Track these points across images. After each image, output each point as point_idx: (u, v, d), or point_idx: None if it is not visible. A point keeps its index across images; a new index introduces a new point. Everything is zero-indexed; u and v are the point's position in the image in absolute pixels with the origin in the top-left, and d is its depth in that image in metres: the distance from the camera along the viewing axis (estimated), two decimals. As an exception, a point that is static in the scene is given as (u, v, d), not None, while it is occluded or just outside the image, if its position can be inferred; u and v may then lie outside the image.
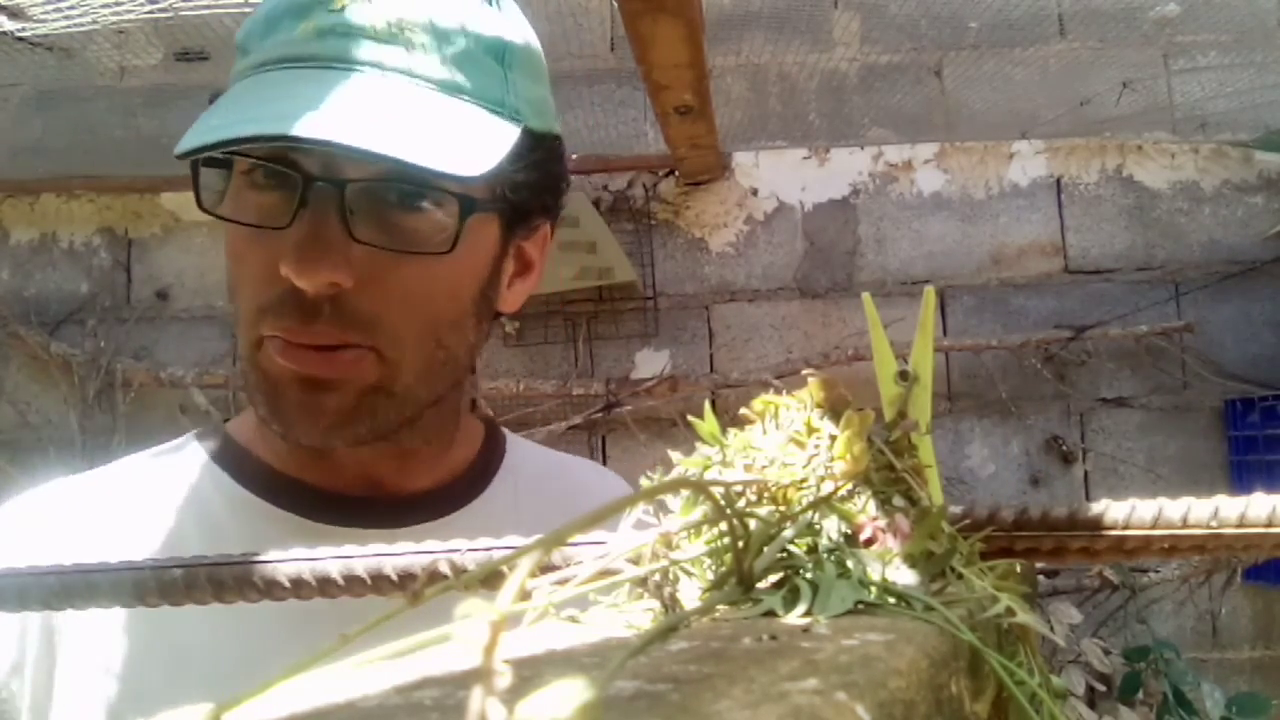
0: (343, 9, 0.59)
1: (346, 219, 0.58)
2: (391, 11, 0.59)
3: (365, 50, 0.59)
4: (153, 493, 0.68)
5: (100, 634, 0.62)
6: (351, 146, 0.53)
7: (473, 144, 0.59)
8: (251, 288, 0.60)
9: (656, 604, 0.33)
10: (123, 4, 1.88)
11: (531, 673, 0.22)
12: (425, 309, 0.62)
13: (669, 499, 0.36)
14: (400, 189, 0.59)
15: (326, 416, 0.61)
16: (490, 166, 0.58)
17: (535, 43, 0.69)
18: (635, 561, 0.34)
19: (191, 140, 0.56)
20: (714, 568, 0.34)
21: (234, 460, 0.69)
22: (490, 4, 0.65)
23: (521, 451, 0.80)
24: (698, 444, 0.40)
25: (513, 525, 0.69)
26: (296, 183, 0.57)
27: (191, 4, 1.91)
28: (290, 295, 0.58)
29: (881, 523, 0.35)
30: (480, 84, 0.62)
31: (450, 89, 0.60)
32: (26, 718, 0.62)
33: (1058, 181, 2.43)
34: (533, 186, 0.66)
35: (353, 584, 0.41)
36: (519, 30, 0.67)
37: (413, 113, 0.58)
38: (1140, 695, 2.05)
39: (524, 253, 0.71)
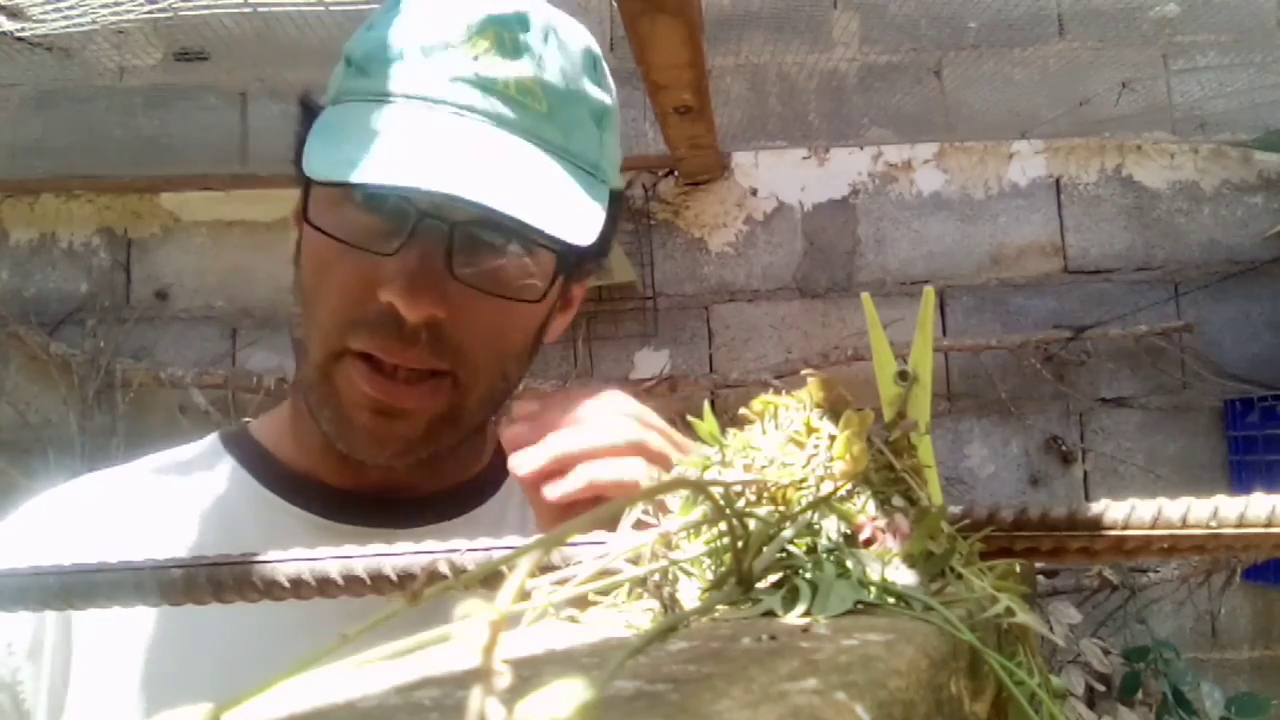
0: (476, 58, 0.61)
1: (451, 256, 0.60)
2: (521, 71, 0.62)
3: (494, 105, 0.61)
4: (175, 492, 0.69)
5: (116, 622, 0.62)
6: (495, 209, 0.57)
7: (580, 209, 0.62)
8: (341, 301, 0.62)
9: (656, 604, 0.33)
10: (123, 4, 1.88)
11: (531, 673, 0.22)
12: (502, 344, 0.66)
13: (669, 499, 0.36)
14: (504, 238, 0.63)
15: (396, 443, 0.64)
16: (595, 235, 0.62)
17: (616, 102, 0.71)
18: (635, 561, 0.34)
19: (332, 170, 0.57)
20: (713, 568, 0.34)
21: (258, 462, 0.71)
22: (594, 69, 0.68)
23: None
24: (697, 444, 0.40)
25: (524, 523, 0.71)
26: (409, 215, 0.60)
27: (191, 4, 1.91)
28: (389, 318, 0.60)
29: (881, 523, 0.35)
30: (583, 148, 0.65)
31: (562, 153, 0.63)
32: (43, 701, 0.63)
33: (1057, 181, 2.43)
34: (602, 240, 0.69)
35: (352, 584, 0.41)
36: (612, 92, 0.70)
37: (534, 174, 0.61)
38: (1140, 695, 2.05)
39: (570, 291, 0.74)
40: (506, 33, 0.62)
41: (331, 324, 0.62)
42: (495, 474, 0.76)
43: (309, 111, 0.65)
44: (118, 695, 0.62)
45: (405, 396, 0.62)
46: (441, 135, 0.59)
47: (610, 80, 0.70)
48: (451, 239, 0.60)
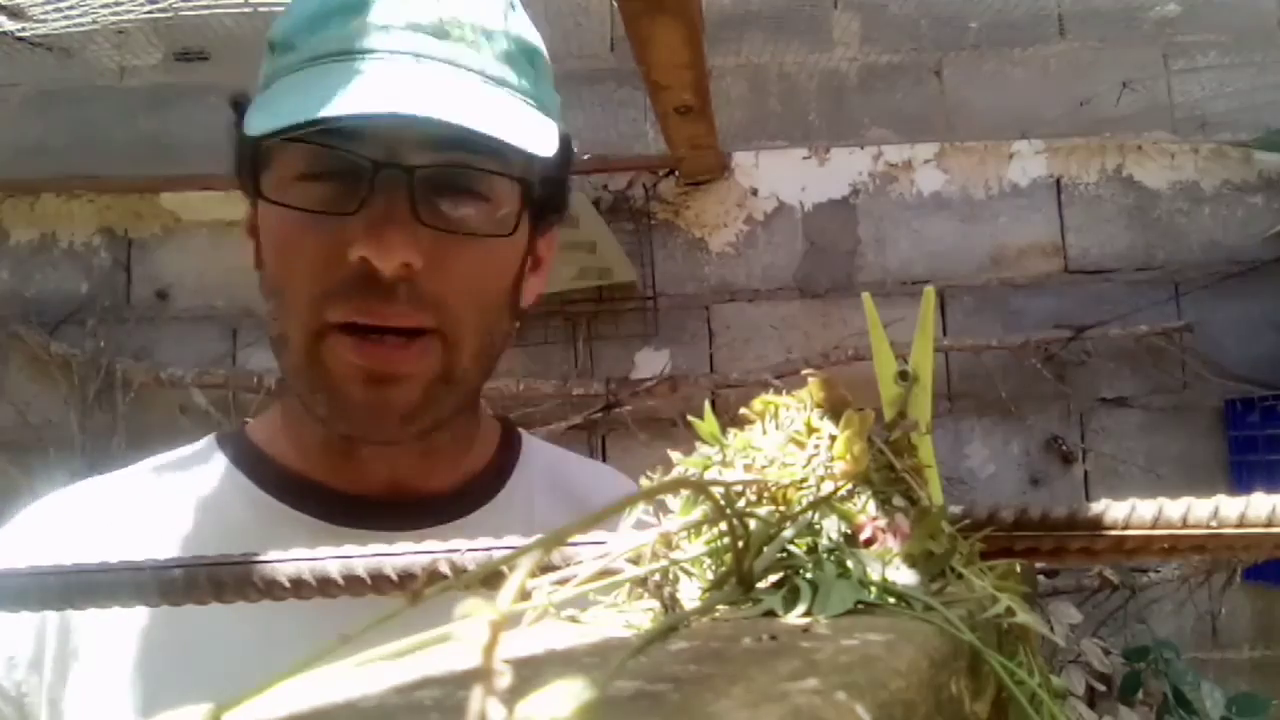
0: (397, 8, 0.60)
1: (414, 204, 0.59)
2: (436, 10, 0.61)
3: (421, 43, 0.60)
4: (173, 497, 0.68)
5: (115, 631, 0.62)
6: (450, 122, 0.56)
7: (533, 123, 0.62)
8: (310, 275, 0.60)
9: (656, 604, 0.33)
10: (123, 4, 1.88)
11: (531, 673, 0.22)
12: (481, 292, 0.64)
13: (669, 499, 0.36)
14: (468, 175, 0.62)
15: (395, 411, 0.62)
16: (554, 147, 0.61)
17: (544, 48, 0.71)
18: (635, 561, 0.34)
19: (273, 121, 0.56)
20: (714, 568, 0.34)
21: (253, 464, 0.70)
22: (514, 9, 0.67)
23: (537, 451, 0.80)
24: (698, 444, 0.40)
25: (527, 524, 0.70)
26: (363, 170, 0.59)
27: (191, 4, 1.92)
28: (363, 279, 0.59)
29: (881, 523, 0.35)
30: (520, 82, 0.64)
31: (500, 83, 0.63)
32: (45, 712, 0.62)
33: (1058, 181, 2.43)
34: (556, 184, 0.69)
35: (352, 584, 0.41)
36: (538, 37, 0.70)
37: (479, 98, 0.60)
38: (1140, 695, 2.05)
39: (537, 249, 0.72)
40: None
41: (306, 302, 0.60)
42: (501, 468, 0.75)
43: (243, 109, 0.64)
44: (116, 701, 0.61)
45: (397, 360, 0.60)
46: (380, 74, 0.58)
47: (533, 27, 0.70)
48: (412, 186, 0.59)
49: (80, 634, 0.63)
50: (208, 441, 0.73)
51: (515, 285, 0.69)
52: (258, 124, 0.57)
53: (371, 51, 0.59)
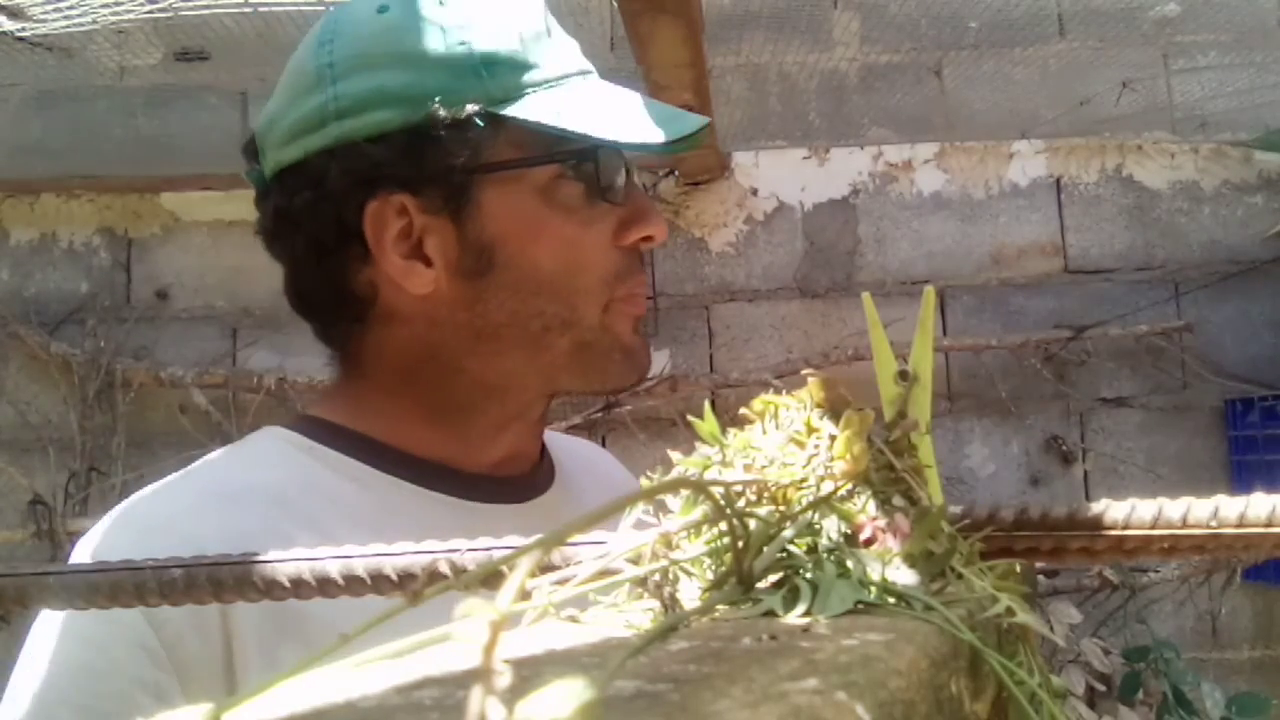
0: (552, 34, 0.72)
1: None
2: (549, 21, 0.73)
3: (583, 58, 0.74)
4: (292, 493, 0.66)
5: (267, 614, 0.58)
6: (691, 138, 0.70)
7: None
8: (597, 262, 0.69)
9: (656, 604, 0.33)
10: (123, 4, 1.88)
11: (531, 673, 0.22)
12: None
13: (669, 499, 0.36)
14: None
15: (648, 352, 0.75)
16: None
17: None
18: (635, 561, 0.34)
19: (621, 132, 0.67)
20: (714, 568, 0.34)
21: (372, 452, 0.70)
22: None
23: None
24: (698, 444, 0.40)
25: (599, 487, 0.82)
26: (618, 166, 0.69)
27: (191, 4, 1.91)
28: (635, 257, 0.71)
29: (881, 523, 0.35)
30: None
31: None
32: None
33: (1057, 181, 2.43)
34: None
35: (353, 584, 0.41)
36: None
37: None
38: (1140, 695, 2.05)
39: None
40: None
41: (599, 285, 0.69)
42: (546, 449, 0.82)
43: (456, 124, 0.65)
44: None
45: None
46: (624, 94, 0.71)
47: None
48: (630, 179, 0.71)
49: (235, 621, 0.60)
50: (272, 432, 0.71)
51: None
52: (615, 132, 0.66)
53: (586, 72, 0.72)
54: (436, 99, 0.65)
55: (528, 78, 0.67)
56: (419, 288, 0.68)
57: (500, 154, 0.66)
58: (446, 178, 0.66)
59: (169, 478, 0.68)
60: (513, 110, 0.66)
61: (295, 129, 0.68)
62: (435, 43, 0.66)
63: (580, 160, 0.68)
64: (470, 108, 0.65)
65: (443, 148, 0.65)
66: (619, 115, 0.68)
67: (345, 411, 0.73)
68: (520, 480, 0.75)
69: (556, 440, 0.87)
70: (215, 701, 0.19)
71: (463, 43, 0.66)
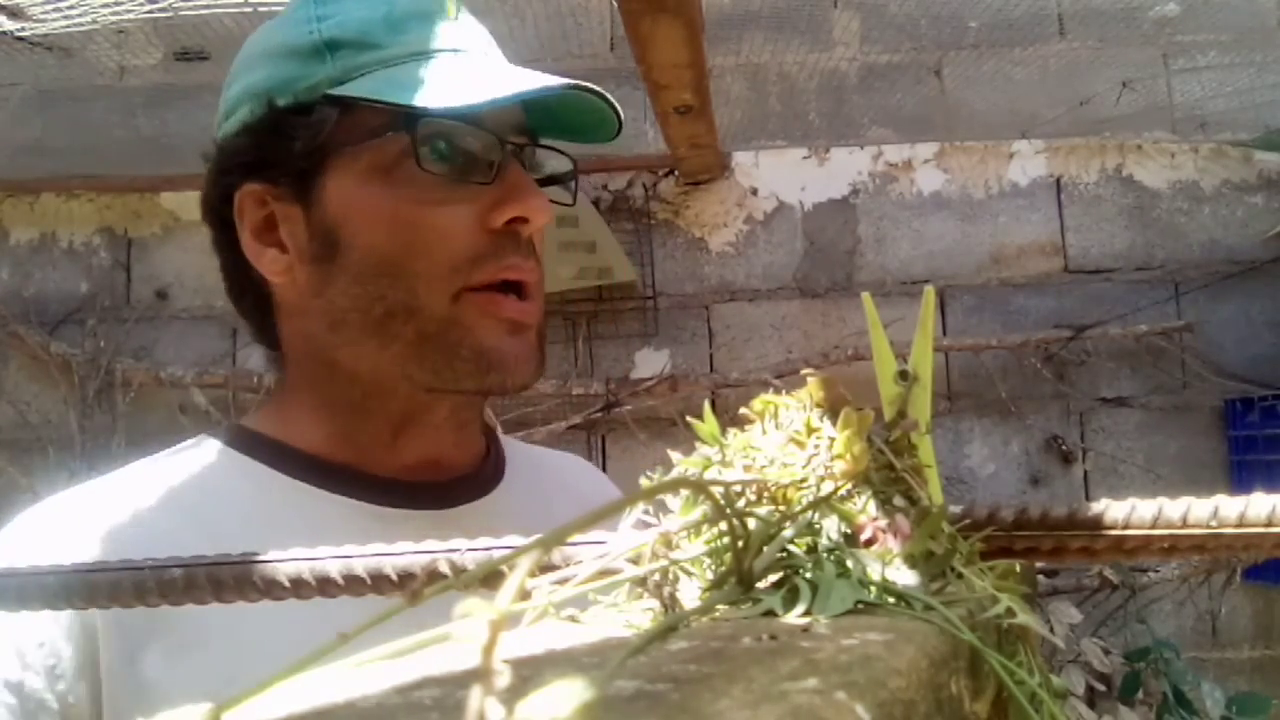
0: (455, 18, 0.69)
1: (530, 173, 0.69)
2: (453, 10, 0.70)
3: (473, 39, 0.70)
4: (195, 494, 0.66)
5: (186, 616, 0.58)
6: (606, 99, 0.67)
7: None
8: (452, 244, 0.65)
9: (656, 604, 0.33)
10: (123, 4, 1.88)
11: (531, 673, 0.22)
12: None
13: (669, 499, 0.36)
14: (552, 153, 0.73)
15: (533, 358, 0.68)
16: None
17: None
18: (635, 561, 0.34)
19: (465, 98, 0.62)
20: (714, 567, 0.34)
21: (281, 455, 0.69)
22: None
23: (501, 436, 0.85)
24: (698, 444, 0.40)
25: (542, 498, 0.77)
26: (493, 144, 0.66)
27: (191, 4, 1.91)
28: (510, 238, 0.66)
29: (882, 523, 0.35)
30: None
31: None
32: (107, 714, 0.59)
33: (1058, 181, 2.43)
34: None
35: (352, 584, 0.40)
36: None
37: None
38: (1140, 695, 2.05)
39: None
40: None
41: (445, 269, 0.65)
42: (494, 449, 0.79)
43: (295, 109, 0.66)
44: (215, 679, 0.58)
45: (528, 311, 0.67)
46: (486, 65, 0.68)
47: None
48: (522, 160, 0.68)
49: (141, 627, 0.59)
50: (203, 439, 0.71)
51: None
52: (437, 100, 0.62)
53: (458, 50, 0.67)
54: (284, 85, 0.66)
55: (370, 57, 0.65)
56: (274, 275, 0.68)
57: (341, 136, 0.65)
58: (291, 163, 0.66)
59: (88, 482, 0.68)
60: (344, 90, 0.65)
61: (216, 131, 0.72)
62: (291, 34, 0.68)
63: (405, 131, 0.64)
64: (311, 90, 0.65)
65: (287, 133, 0.66)
66: (458, 85, 0.64)
67: (267, 417, 0.73)
68: (440, 486, 0.71)
69: (531, 453, 0.85)
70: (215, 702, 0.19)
71: (312, 31, 0.67)
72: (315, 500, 0.67)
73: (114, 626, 0.60)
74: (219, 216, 0.71)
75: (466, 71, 0.66)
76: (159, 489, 0.67)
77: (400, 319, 0.65)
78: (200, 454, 0.70)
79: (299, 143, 0.65)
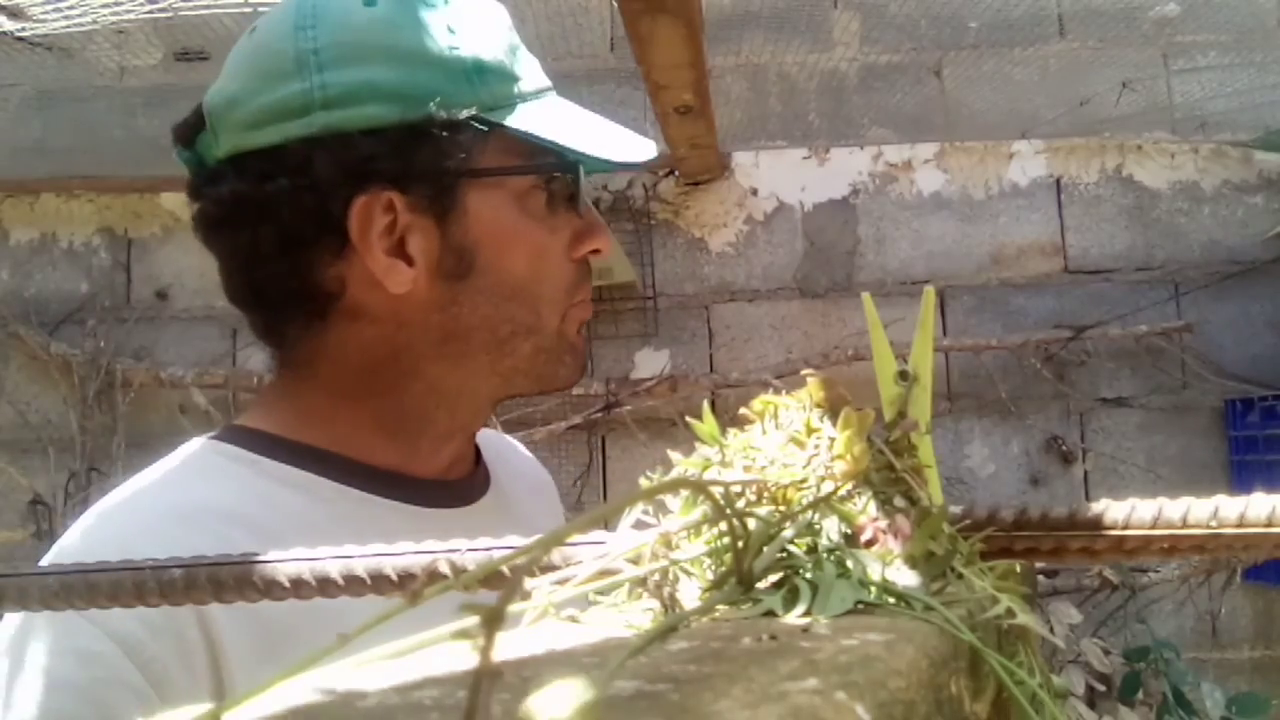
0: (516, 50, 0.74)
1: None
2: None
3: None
4: (236, 503, 0.64)
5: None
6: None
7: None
8: (558, 273, 0.72)
9: (656, 604, 0.33)
10: (123, 4, 1.88)
11: (531, 673, 0.22)
12: None
13: (669, 499, 0.36)
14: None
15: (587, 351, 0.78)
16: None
17: None
18: (635, 561, 0.34)
19: (598, 148, 0.69)
20: (714, 568, 0.34)
21: (318, 461, 0.68)
22: None
23: None
24: (697, 444, 0.40)
25: (529, 496, 0.83)
26: (573, 181, 0.71)
27: (191, 4, 1.92)
28: (586, 269, 0.74)
29: (882, 523, 0.35)
30: None
31: None
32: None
33: (1057, 181, 2.43)
34: None
35: (353, 584, 0.40)
36: None
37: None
38: (1140, 695, 2.05)
39: None
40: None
41: (562, 295, 0.72)
42: (478, 451, 0.82)
43: (444, 124, 0.65)
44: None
45: None
46: (586, 112, 0.74)
47: None
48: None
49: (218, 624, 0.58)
50: (210, 445, 0.69)
51: None
52: (593, 148, 0.69)
53: (551, 86, 0.74)
54: (437, 99, 0.64)
55: (511, 88, 0.69)
56: (397, 286, 0.66)
57: (487, 160, 0.67)
58: (437, 178, 0.66)
59: (114, 499, 0.65)
60: (506, 119, 0.67)
61: (270, 113, 0.65)
62: (429, 43, 0.66)
63: (561, 174, 0.70)
64: (466, 112, 0.65)
65: (437, 148, 0.65)
66: (592, 132, 0.71)
67: (283, 420, 0.70)
68: (463, 483, 0.76)
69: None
70: (215, 702, 0.19)
71: (454, 47, 0.66)
72: (366, 505, 0.67)
73: (236, 659, 0.58)
74: (293, 207, 0.65)
75: (582, 115, 0.73)
76: (207, 503, 0.64)
77: (522, 337, 0.71)
78: (223, 464, 0.67)
79: (452, 160, 0.65)
